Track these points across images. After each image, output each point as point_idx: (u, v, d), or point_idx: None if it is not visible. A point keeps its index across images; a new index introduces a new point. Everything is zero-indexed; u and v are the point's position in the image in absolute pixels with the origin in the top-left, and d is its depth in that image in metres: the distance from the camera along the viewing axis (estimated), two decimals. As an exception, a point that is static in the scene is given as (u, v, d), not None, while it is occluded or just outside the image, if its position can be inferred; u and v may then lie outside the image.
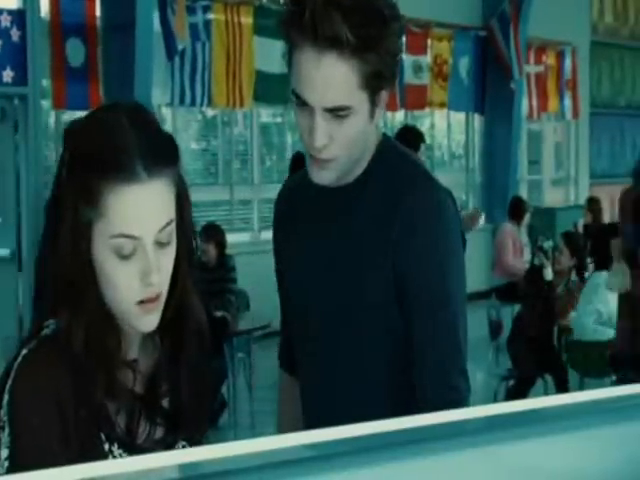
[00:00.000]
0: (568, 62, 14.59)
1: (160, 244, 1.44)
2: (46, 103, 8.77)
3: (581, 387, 6.60)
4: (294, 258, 1.98)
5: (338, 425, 0.85)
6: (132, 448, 1.47)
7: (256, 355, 7.34)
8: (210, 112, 10.93)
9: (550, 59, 14.34)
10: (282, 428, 2.18)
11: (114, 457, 1.45)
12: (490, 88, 13.00)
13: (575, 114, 14.84)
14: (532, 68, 13.77)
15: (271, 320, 6.96)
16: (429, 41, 12.11)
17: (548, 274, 6.83)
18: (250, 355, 7.19)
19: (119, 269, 1.43)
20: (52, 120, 9.20)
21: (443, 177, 1.90)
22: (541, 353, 6.62)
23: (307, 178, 1.91)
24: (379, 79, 1.76)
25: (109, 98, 8.72)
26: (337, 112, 1.75)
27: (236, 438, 6.62)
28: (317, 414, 1.94)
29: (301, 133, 1.80)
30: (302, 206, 1.97)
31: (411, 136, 6.31)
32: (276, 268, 2.08)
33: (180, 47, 9.09)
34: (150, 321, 1.47)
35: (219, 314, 6.71)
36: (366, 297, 1.83)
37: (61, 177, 1.46)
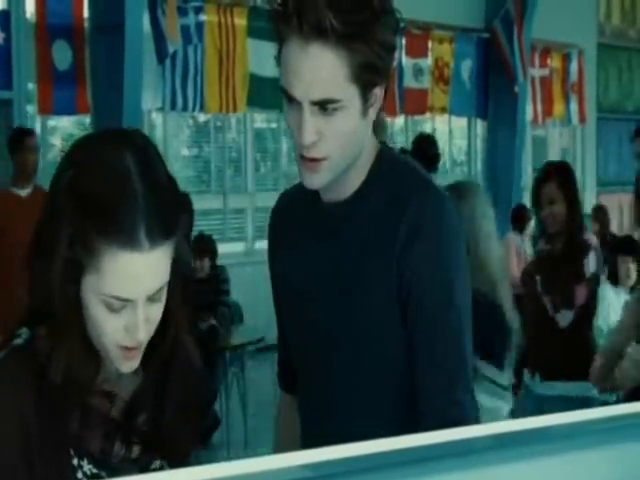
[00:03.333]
0: (574, 65, 14.62)
1: (152, 300, 1.46)
2: (32, 108, 8.78)
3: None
4: (293, 274, 1.96)
5: (338, 442, 0.85)
6: (103, 465, 1.48)
7: (250, 370, 7.34)
8: (202, 117, 10.94)
9: (555, 62, 14.36)
10: (279, 450, 2.17)
11: (83, 472, 1.47)
12: (493, 92, 13.02)
13: (581, 119, 14.87)
14: (537, 71, 13.79)
15: (265, 333, 6.96)
16: (430, 43, 12.13)
17: None
18: (244, 370, 7.19)
19: (106, 319, 1.44)
20: (38, 126, 9.20)
21: (445, 184, 1.90)
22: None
23: (304, 191, 1.90)
24: (371, 72, 1.74)
25: (97, 103, 8.73)
26: (325, 106, 1.73)
27: (229, 457, 6.61)
28: (316, 432, 1.94)
29: (292, 133, 1.79)
30: (300, 221, 1.96)
31: (426, 144, 6.56)
32: (272, 284, 2.06)
33: (171, 50, 9.11)
34: (131, 365, 1.50)
35: (212, 322, 6.71)
36: (369, 312, 1.83)
37: (59, 199, 1.42)
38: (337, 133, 1.75)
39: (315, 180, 1.81)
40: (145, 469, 1.52)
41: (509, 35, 12.69)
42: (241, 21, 9.92)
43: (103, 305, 1.43)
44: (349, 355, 1.87)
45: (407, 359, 1.82)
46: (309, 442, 1.94)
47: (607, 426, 0.93)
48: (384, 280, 1.80)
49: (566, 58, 14.52)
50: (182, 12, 9.31)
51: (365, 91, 1.76)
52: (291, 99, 1.76)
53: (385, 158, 1.89)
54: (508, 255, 9.71)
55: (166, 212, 1.43)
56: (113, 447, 1.49)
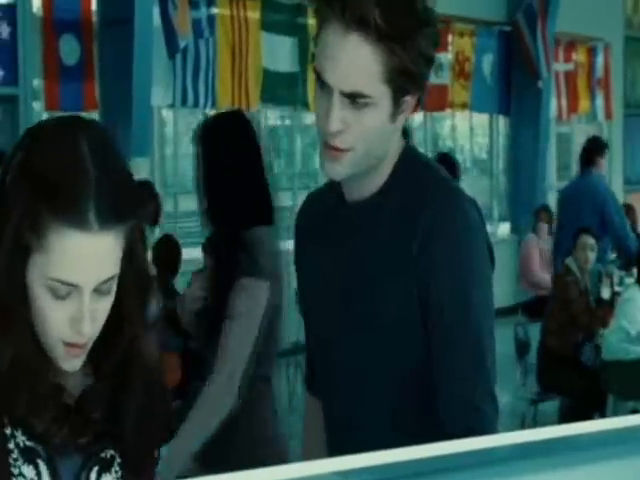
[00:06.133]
0: (600, 59, 14.58)
1: (99, 292, 1.44)
2: (38, 105, 8.81)
3: (615, 412, 6.59)
4: (313, 275, 2.01)
5: (358, 451, 0.86)
6: (42, 440, 1.46)
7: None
8: (213, 114, 10.96)
9: (580, 56, 14.34)
10: (307, 455, 2.19)
11: (16, 443, 1.46)
12: (516, 88, 13.00)
13: (608, 115, 14.83)
14: (561, 66, 13.77)
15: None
16: (450, 37, 12.13)
17: (605, 292, 6.91)
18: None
19: (51, 307, 1.43)
20: (44, 123, 9.23)
21: (465, 183, 1.90)
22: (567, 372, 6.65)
23: (328, 191, 1.95)
24: (405, 78, 1.78)
25: (105, 99, 8.75)
26: (355, 99, 1.77)
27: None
28: (337, 439, 1.97)
29: (318, 118, 1.83)
30: (322, 220, 2.00)
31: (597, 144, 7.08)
32: (298, 285, 2.11)
33: (182, 44, 9.12)
34: (74, 364, 1.48)
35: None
36: (387, 315, 1.85)
37: (6, 185, 1.43)
38: (363, 127, 1.79)
39: (336, 170, 1.84)
40: (93, 456, 1.51)
41: (532, 28, 12.67)
42: (254, 14, 9.93)
43: (48, 291, 1.42)
44: (368, 362, 1.89)
45: (429, 366, 1.84)
46: (332, 447, 1.99)
47: (634, 435, 0.93)
48: (403, 282, 1.83)
49: (591, 52, 14.49)
50: (193, 5, 9.33)
51: (397, 95, 1.80)
52: (322, 83, 1.79)
53: (407, 158, 1.92)
54: (530, 256, 9.72)
55: (118, 197, 1.43)
56: (60, 431, 1.47)
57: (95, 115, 9.16)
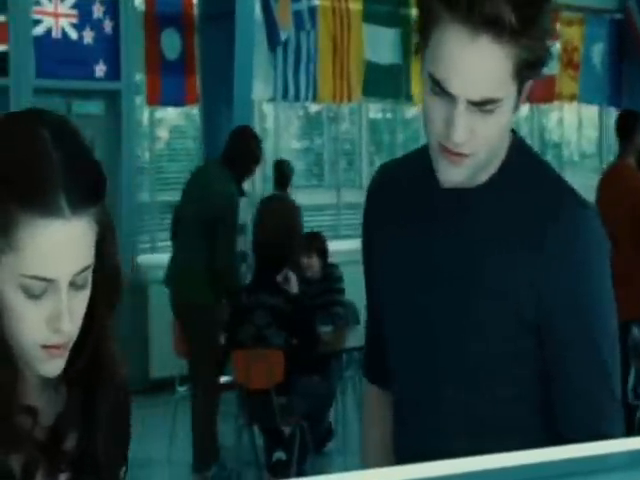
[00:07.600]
0: None
1: (75, 286, 1.39)
2: (139, 99, 8.96)
3: None
4: (393, 256, 1.92)
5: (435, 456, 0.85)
6: None
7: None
8: (313, 108, 11.00)
9: (696, 44, 14.01)
10: (368, 456, 2.11)
11: None
12: (627, 78, 12.75)
13: None
14: (675, 55, 13.46)
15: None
16: (558, 26, 11.95)
17: None
18: (360, 373, 7.21)
19: (26, 308, 1.38)
20: (145, 117, 9.39)
21: (573, 179, 1.86)
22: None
23: (413, 166, 1.85)
24: (532, 68, 1.70)
25: (206, 94, 8.86)
26: (484, 106, 1.68)
27: (346, 466, 6.63)
28: (415, 445, 1.87)
29: (430, 122, 1.72)
30: (408, 199, 1.90)
31: None
32: (365, 267, 2.00)
33: (283, 37, 9.18)
34: (55, 366, 1.43)
35: (325, 329, 6.75)
36: (485, 311, 1.78)
37: None
38: (490, 131, 1.71)
39: (454, 174, 1.75)
40: None
41: (645, 16, 12.43)
42: (356, 5, 9.94)
43: (21, 291, 1.37)
44: (459, 359, 1.82)
45: (533, 371, 1.80)
46: (404, 454, 1.91)
47: None
48: (508, 283, 1.76)
49: None
50: (294, -3, 9.38)
51: (521, 87, 1.72)
52: (441, 90, 1.69)
53: (520, 150, 1.85)
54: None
55: (86, 180, 1.39)
56: (36, 470, 1.42)
57: (196, 109, 9.29)
